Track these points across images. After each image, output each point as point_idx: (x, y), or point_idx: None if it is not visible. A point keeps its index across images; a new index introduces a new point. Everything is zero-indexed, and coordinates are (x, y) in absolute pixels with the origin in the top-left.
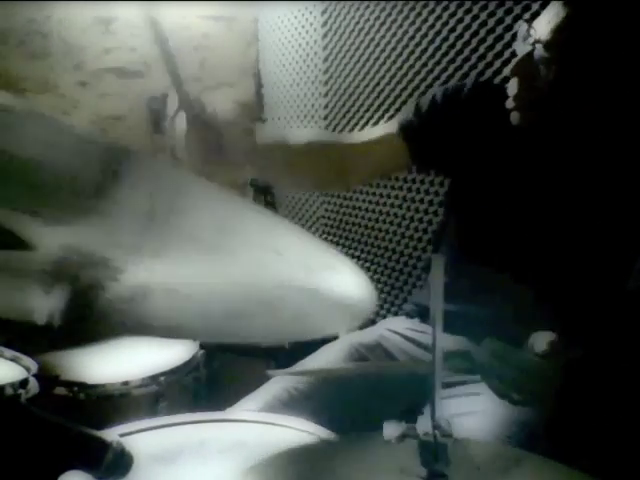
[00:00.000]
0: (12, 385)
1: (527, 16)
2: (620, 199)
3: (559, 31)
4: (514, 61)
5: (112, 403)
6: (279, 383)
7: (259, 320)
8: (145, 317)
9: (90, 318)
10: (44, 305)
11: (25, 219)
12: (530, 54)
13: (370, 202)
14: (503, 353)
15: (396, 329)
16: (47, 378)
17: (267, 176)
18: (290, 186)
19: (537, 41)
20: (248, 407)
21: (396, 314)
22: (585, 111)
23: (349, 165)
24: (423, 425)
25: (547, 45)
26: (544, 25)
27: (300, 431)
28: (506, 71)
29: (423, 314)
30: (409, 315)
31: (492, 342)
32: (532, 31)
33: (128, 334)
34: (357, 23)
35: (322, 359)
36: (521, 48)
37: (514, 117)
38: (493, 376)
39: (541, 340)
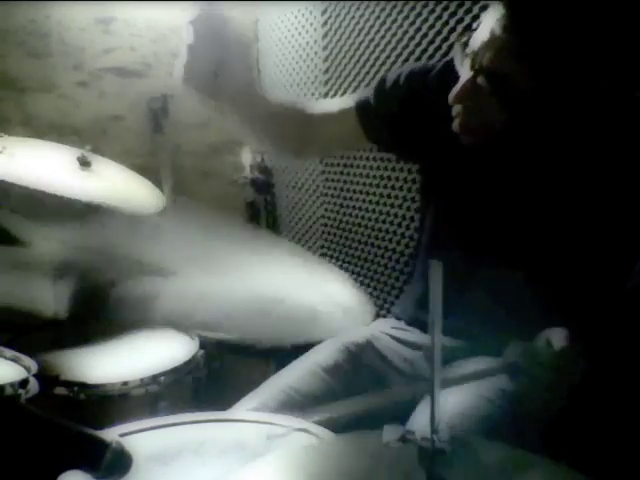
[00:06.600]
0: (12, 385)
1: None
2: (619, 198)
3: (500, 58)
4: (456, 88)
5: (112, 403)
6: (278, 384)
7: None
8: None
9: (100, 313)
10: (50, 297)
11: (22, 220)
12: (473, 80)
13: (370, 202)
14: (533, 352)
15: (385, 330)
16: (47, 378)
17: (238, 122)
18: (253, 139)
19: (478, 70)
20: (247, 407)
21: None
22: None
23: (308, 134)
24: (422, 429)
25: (488, 75)
26: (482, 49)
27: (300, 431)
28: None
29: (410, 322)
30: (397, 317)
31: (520, 343)
32: (469, 55)
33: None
34: (357, 23)
35: (315, 358)
36: (462, 71)
37: (463, 139)
38: (522, 376)
39: (557, 336)
